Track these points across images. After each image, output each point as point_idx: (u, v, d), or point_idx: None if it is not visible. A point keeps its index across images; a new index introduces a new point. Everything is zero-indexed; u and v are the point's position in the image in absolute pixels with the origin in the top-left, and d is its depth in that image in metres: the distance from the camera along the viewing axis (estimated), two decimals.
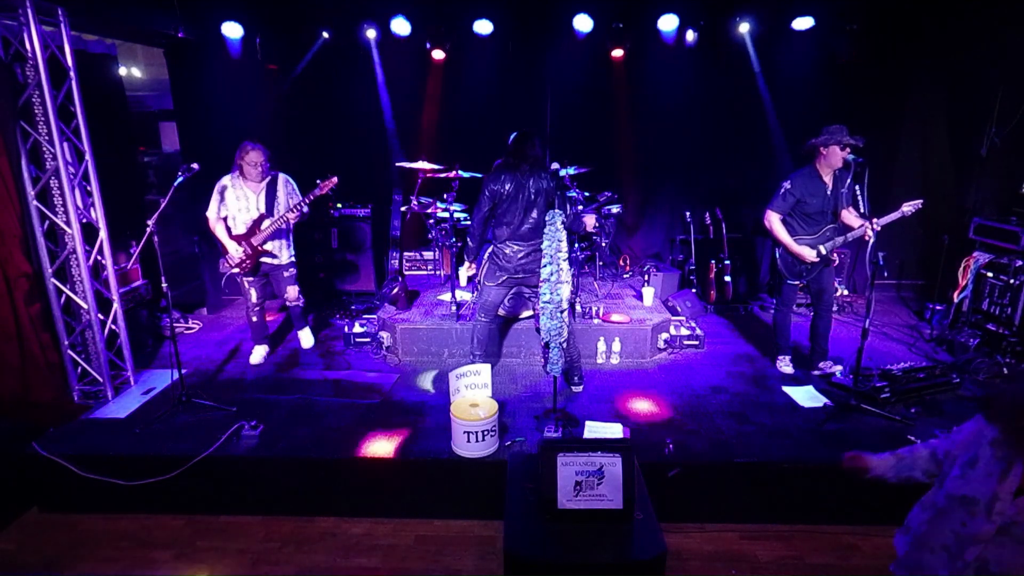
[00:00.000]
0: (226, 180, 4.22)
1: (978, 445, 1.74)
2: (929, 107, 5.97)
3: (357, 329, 4.99)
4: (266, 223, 4.22)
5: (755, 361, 4.67)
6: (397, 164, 5.45)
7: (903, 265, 6.32)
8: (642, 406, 3.92)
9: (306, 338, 4.91)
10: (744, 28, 5.71)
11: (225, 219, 4.24)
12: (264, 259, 4.37)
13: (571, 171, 5.20)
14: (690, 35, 5.81)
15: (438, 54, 6.02)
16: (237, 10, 5.51)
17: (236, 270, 4.31)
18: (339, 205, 6.00)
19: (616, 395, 4.08)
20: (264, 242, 4.27)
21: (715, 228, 5.93)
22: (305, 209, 4.24)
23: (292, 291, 4.54)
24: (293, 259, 4.51)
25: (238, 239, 4.24)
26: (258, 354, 4.65)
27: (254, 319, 4.57)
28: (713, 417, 3.75)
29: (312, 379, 4.34)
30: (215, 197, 4.22)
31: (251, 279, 4.41)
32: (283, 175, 4.36)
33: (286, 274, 4.48)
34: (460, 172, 5.21)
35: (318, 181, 4.18)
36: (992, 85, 5.27)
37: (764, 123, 6.08)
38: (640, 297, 5.28)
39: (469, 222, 4.08)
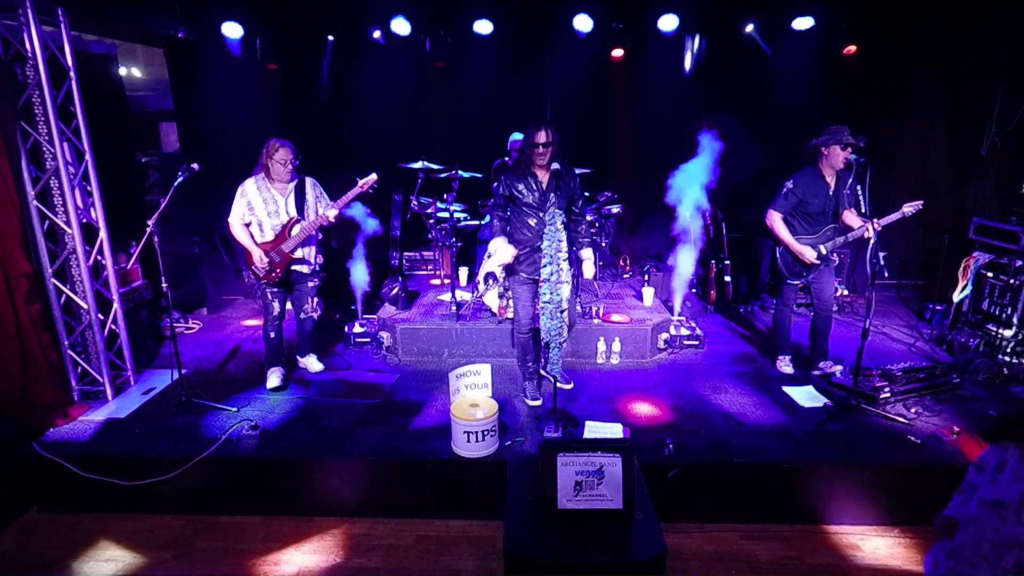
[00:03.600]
0: (251, 182, 3.87)
1: (1005, 450, 1.76)
2: (929, 107, 5.97)
3: (357, 329, 4.99)
4: (296, 228, 3.90)
5: (755, 361, 4.67)
6: (397, 164, 5.45)
7: (903, 265, 6.32)
8: (642, 406, 3.92)
9: (313, 364, 4.46)
10: (744, 29, 5.72)
11: (248, 225, 3.91)
12: (295, 267, 4.03)
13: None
14: (690, 35, 5.81)
15: (438, 54, 6.01)
16: (237, 10, 5.51)
17: (263, 280, 3.95)
18: None
19: (616, 395, 4.08)
20: (295, 249, 3.95)
21: (715, 228, 5.93)
22: (340, 211, 3.92)
23: (312, 302, 4.20)
24: (320, 268, 4.17)
25: (266, 247, 3.89)
26: (275, 378, 4.17)
27: (272, 335, 4.13)
28: (713, 417, 3.75)
29: (312, 379, 4.34)
30: (239, 200, 3.86)
31: (275, 290, 4.03)
32: (309, 178, 4.03)
33: (311, 284, 4.14)
34: (460, 172, 5.21)
35: (356, 179, 3.89)
36: (992, 85, 5.27)
37: (764, 123, 6.08)
38: (640, 297, 5.29)
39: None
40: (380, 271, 6.11)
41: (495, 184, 3.72)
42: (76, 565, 3.02)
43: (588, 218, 5.29)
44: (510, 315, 4.42)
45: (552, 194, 3.49)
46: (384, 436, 3.54)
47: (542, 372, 4.11)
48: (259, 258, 3.87)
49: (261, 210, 3.88)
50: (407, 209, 5.59)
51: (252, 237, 3.91)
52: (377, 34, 5.83)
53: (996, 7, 5.16)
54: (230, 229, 3.93)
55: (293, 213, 3.92)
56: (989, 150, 5.35)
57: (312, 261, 4.10)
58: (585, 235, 3.84)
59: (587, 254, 3.85)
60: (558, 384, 3.87)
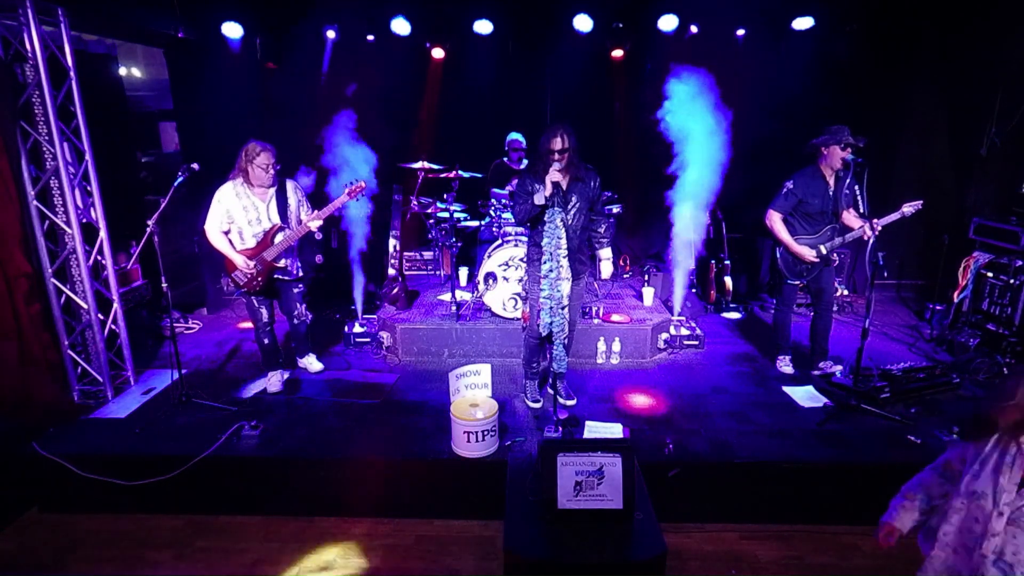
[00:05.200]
0: (228, 188, 3.70)
1: (987, 444, 1.85)
2: (929, 107, 5.96)
3: (357, 329, 4.98)
4: (280, 236, 3.78)
5: (755, 361, 4.67)
6: (397, 164, 5.45)
7: (903, 265, 6.32)
8: (642, 406, 3.92)
9: (313, 364, 4.42)
10: (743, 28, 5.72)
11: (227, 232, 3.76)
12: (276, 275, 3.92)
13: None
14: (690, 35, 5.81)
15: (438, 54, 6.03)
16: (237, 10, 5.51)
17: (243, 288, 3.84)
18: None
19: (616, 395, 4.08)
20: (278, 256, 3.84)
21: (715, 228, 5.92)
22: (322, 218, 3.80)
23: (300, 307, 4.13)
24: (302, 272, 4.09)
25: (247, 254, 3.76)
26: (275, 380, 4.12)
27: (266, 341, 4.05)
28: (713, 417, 3.75)
29: (312, 379, 4.34)
30: (216, 207, 3.69)
31: (260, 297, 3.93)
32: (291, 181, 3.90)
33: (295, 290, 4.05)
34: (460, 172, 5.21)
35: (345, 186, 3.84)
36: (992, 85, 5.27)
37: (764, 123, 6.08)
38: (640, 297, 5.29)
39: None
40: (380, 271, 6.12)
41: (511, 185, 3.62)
42: (76, 565, 3.02)
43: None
44: None
45: (572, 195, 3.45)
46: (384, 436, 3.54)
47: (550, 391, 4.03)
48: (244, 263, 3.74)
49: (241, 218, 3.73)
50: (407, 209, 5.59)
51: (231, 244, 3.78)
52: (374, 36, 5.83)
53: (996, 8, 5.15)
54: (207, 237, 3.76)
55: (276, 220, 3.79)
56: (989, 150, 5.36)
57: (293, 267, 4.00)
58: (605, 235, 3.82)
59: (606, 253, 3.86)
60: (559, 399, 3.78)
